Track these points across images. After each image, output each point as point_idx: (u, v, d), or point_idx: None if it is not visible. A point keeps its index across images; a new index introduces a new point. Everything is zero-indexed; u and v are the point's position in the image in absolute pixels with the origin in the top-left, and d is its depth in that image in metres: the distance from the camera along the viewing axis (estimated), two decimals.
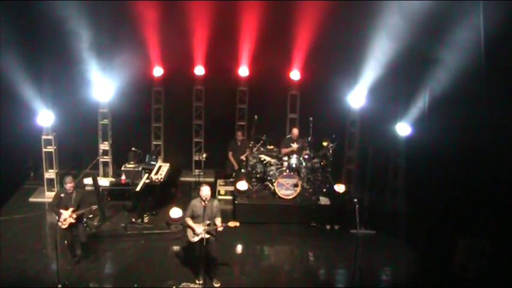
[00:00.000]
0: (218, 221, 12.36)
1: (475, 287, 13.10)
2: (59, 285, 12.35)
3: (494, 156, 14.14)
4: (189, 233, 12.60)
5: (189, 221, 12.49)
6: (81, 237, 13.49)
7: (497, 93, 14.01)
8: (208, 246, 12.30)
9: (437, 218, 15.58)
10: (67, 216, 12.99)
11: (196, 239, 12.44)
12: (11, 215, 16.17)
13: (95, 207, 13.64)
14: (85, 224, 14.42)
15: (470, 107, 14.58)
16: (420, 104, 16.48)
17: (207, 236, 12.15)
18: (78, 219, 13.24)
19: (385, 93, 16.77)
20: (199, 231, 12.29)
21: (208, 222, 12.25)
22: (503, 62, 13.92)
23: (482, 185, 14.36)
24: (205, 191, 12.31)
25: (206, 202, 12.24)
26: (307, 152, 17.11)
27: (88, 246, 13.76)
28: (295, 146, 16.99)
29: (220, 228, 12.30)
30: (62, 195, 13.15)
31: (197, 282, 12.72)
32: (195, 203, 12.51)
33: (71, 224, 13.08)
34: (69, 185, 13.05)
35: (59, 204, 13.14)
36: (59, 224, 13.00)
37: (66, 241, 13.30)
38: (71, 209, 13.03)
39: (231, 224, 12.47)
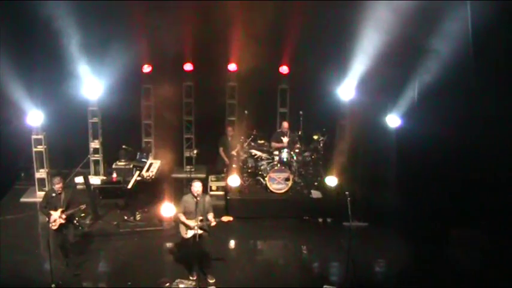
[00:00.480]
0: (211, 216, 12.37)
1: (467, 279, 13.14)
2: (53, 285, 12.31)
3: (486, 147, 14.21)
4: (182, 229, 12.62)
5: (182, 217, 12.51)
6: (69, 238, 13.32)
7: (488, 84, 14.07)
8: (202, 242, 12.38)
9: (429, 209, 15.64)
10: (56, 217, 12.83)
11: (189, 235, 12.45)
12: (3, 216, 16.12)
13: (83, 206, 13.39)
14: (77, 224, 14.38)
15: (461, 99, 14.63)
16: (410, 95, 16.50)
17: (200, 231, 12.18)
18: (68, 219, 13.08)
19: (374, 86, 16.74)
20: (191, 227, 12.29)
21: (200, 218, 12.27)
22: (494, 52, 13.97)
23: (474, 177, 14.43)
24: (196, 186, 12.35)
25: (198, 198, 12.27)
26: (298, 145, 17.14)
27: (71, 249, 13.51)
28: (285, 140, 17.02)
29: (213, 224, 12.30)
30: (52, 195, 13.01)
31: (191, 278, 12.72)
32: (187, 199, 12.54)
33: (61, 225, 12.92)
34: (57, 186, 12.90)
35: (47, 205, 12.98)
36: (50, 225, 12.87)
37: (56, 242, 13.02)
38: (60, 210, 12.87)
39: (224, 218, 12.52)
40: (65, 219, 12.93)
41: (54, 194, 12.98)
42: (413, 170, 16.50)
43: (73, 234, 13.51)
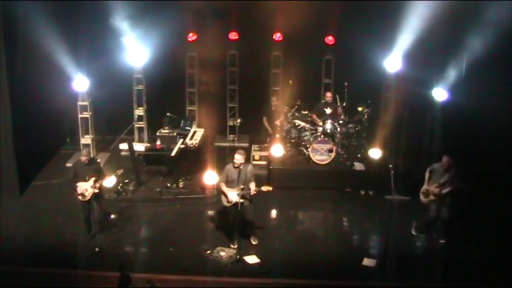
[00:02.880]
0: (252, 185, 12.44)
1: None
2: (96, 249, 12.57)
3: None
4: (223, 197, 12.71)
5: (223, 186, 12.62)
6: (103, 206, 13.51)
7: None
8: (244, 210, 12.51)
9: (474, 184, 15.41)
10: (88, 187, 12.76)
11: (230, 203, 12.54)
12: (49, 180, 16.46)
13: (120, 171, 13.48)
14: (121, 189, 14.59)
15: (509, 71, 14.30)
16: (458, 68, 16.18)
17: (241, 200, 12.25)
18: (101, 190, 13.13)
19: (421, 58, 16.47)
20: (233, 195, 12.41)
21: (242, 186, 12.34)
22: None
23: None
24: (238, 158, 12.43)
25: (240, 167, 12.31)
26: (342, 117, 17.02)
27: (109, 213, 13.81)
28: (328, 111, 16.90)
29: (253, 193, 12.39)
30: (80, 166, 12.94)
31: (232, 246, 12.82)
32: (229, 168, 12.63)
33: (93, 195, 12.89)
34: (84, 158, 12.88)
35: (75, 177, 12.89)
36: (79, 197, 12.83)
37: (85, 214, 13.09)
38: (92, 179, 12.81)
39: (264, 188, 12.55)
40: (99, 188, 12.93)
41: (81, 166, 12.94)
42: (458, 145, 16.24)
43: (104, 203, 13.64)
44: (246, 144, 18.61)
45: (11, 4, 14.89)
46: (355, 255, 12.92)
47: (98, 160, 14.80)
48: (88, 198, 12.83)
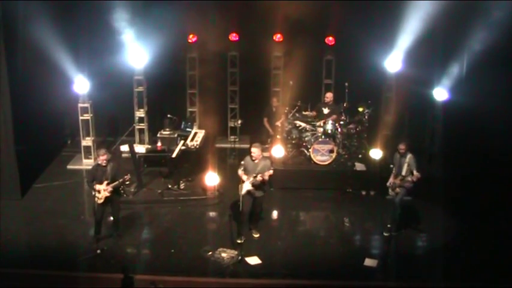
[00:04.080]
0: (259, 175, 12.79)
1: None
2: (98, 251, 12.56)
3: None
4: (240, 187, 13.01)
5: (240, 171, 13.08)
6: (115, 213, 13.28)
7: None
8: (255, 202, 13.08)
9: (475, 184, 15.42)
10: (101, 190, 12.67)
11: (244, 189, 12.87)
12: (50, 182, 16.48)
13: (127, 176, 13.10)
14: (122, 191, 14.57)
15: (510, 71, 14.30)
16: (458, 68, 16.19)
17: (251, 188, 12.87)
18: (114, 192, 12.92)
19: (422, 58, 16.49)
20: (246, 184, 12.84)
21: (254, 175, 12.75)
22: None
23: None
24: (254, 152, 12.95)
25: (256, 161, 12.94)
26: (343, 117, 17.02)
27: (119, 225, 13.54)
28: (326, 111, 16.89)
29: (259, 178, 12.75)
30: (97, 169, 12.79)
31: (238, 241, 12.73)
32: (248, 160, 13.12)
33: (106, 198, 12.78)
34: (101, 158, 12.70)
35: (94, 179, 12.78)
36: (96, 199, 12.73)
37: (97, 217, 12.95)
38: (105, 182, 12.69)
39: (266, 174, 12.84)
40: (111, 192, 12.77)
41: (99, 168, 12.80)
42: (459, 144, 16.25)
43: (119, 209, 13.41)
44: (246, 145, 18.54)
45: (12, 5, 14.91)
46: (357, 256, 12.88)
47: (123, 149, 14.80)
48: (101, 201, 12.74)
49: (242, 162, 13.19)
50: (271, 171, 12.97)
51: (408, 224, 13.86)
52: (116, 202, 13.22)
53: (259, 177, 12.70)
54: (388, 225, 13.12)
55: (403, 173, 13.07)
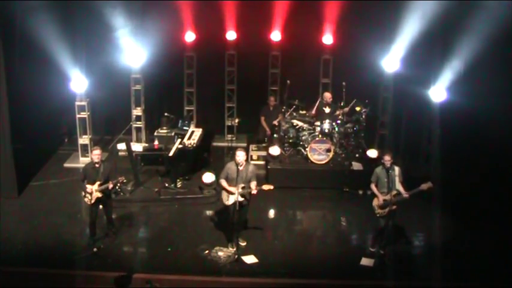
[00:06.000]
0: (253, 184, 12.38)
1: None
2: (94, 249, 12.55)
3: None
4: (224, 195, 12.70)
5: (224, 183, 12.54)
6: (108, 213, 13.19)
7: None
8: (241, 210, 12.52)
9: (472, 184, 15.43)
10: (93, 191, 12.51)
11: (230, 201, 12.52)
12: (47, 180, 16.47)
13: (121, 179, 12.96)
14: (119, 190, 14.55)
15: (507, 71, 14.30)
16: (456, 68, 16.18)
17: (241, 199, 12.29)
18: (105, 194, 12.74)
19: (419, 58, 16.49)
20: (233, 194, 12.37)
21: (242, 185, 12.32)
22: None
23: None
24: (239, 156, 12.36)
25: (240, 167, 12.33)
26: (340, 117, 17.02)
27: (114, 224, 13.48)
28: (327, 111, 16.88)
29: (254, 191, 12.33)
30: (90, 168, 12.62)
31: (230, 248, 12.76)
32: (230, 166, 12.55)
33: (98, 199, 12.64)
34: (94, 152, 12.52)
35: (86, 178, 12.65)
36: (85, 199, 12.66)
37: (90, 218, 12.90)
38: (97, 183, 12.52)
39: (265, 187, 12.44)
40: (102, 192, 12.60)
41: (92, 167, 12.64)
42: (456, 144, 16.25)
43: (111, 208, 13.33)
44: (244, 144, 18.54)
45: (10, 4, 14.88)
46: (354, 255, 12.90)
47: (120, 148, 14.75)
48: (92, 201, 12.62)
49: (223, 171, 12.63)
50: (271, 187, 12.58)
51: (405, 224, 13.82)
52: (108, 202, 13.12)
53: (254, 191, 12.29)
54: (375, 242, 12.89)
55: (397, 186, 12.28)
